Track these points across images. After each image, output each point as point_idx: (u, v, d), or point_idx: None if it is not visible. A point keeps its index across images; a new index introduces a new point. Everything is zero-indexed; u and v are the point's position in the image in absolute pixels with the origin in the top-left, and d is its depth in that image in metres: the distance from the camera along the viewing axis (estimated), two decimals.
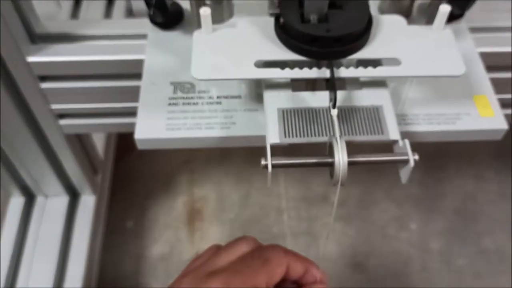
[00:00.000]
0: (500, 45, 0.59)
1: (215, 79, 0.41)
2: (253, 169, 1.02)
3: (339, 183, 0.37)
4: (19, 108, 0.63)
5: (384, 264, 0.90)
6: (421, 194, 0.98)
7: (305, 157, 0.38)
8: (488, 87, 0.48)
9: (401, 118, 0.46)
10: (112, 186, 0.97)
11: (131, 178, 1.01)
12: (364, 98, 0.43)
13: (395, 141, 0.40)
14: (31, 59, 0.57)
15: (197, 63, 0.42)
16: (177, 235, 0.95)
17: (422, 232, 0.94)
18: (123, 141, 1.02)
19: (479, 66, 0.50)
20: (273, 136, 0.41)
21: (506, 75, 0.61)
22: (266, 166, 0.37)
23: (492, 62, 0.51)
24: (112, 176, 0.98)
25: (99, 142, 0.92)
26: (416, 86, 0.48)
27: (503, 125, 0.45)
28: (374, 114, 0.42)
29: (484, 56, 0.50)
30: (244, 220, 0.96)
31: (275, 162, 0.38)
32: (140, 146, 0.46)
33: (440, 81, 0.49)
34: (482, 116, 0.46)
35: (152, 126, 0.46)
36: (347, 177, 0.37)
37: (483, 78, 0.49)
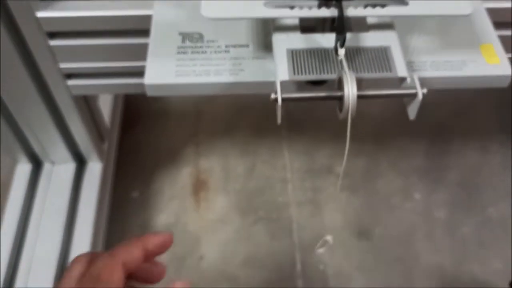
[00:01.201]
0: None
1: (225, 18, 0.42)
2: (258, 142, 1.02)
3: (350, 116, 0.37)
4: (27, 67, 0.63)
5: (389, 232, 0.90)
6: (425, 166, 0.98)
7: (314, 91, 0.39)
8: (494, 37, 0.49)
9: (408, 65, 0.46)
10: (117, 157, 0.97)
11: (136, 150, 1.02)
12: (372, 40, 0.44)
13: (403, 79, 0.41)
14: (40, 14, 0.57)
15: (207, 3, 0.42)
16: (182, 205, 0.95)
17: (426, 202, 0.94)
18: (129, 113, 1.03)
19: (485, 17, 0.50)
20: (283, 73, 0.41)
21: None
22: (276, 100, 0.38)
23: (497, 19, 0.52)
24: (118, 148, 0.98)
25: (105, 110, 0.93)
26: (423, 36, 0.48)
27: (509, 71, 0.46)
28: (382, 54, 0.42)
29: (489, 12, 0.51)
30: (249, 190, 0.96)
31: (285, 96, 0.38)
32: (149, 93, 0.47)
33: (447, 30, 0.49)
34: (489, 63, 0.47)
35: (162, 73, 0.46)
36: (356, 111, 0.37)
37: (489, 28, 0.50)
